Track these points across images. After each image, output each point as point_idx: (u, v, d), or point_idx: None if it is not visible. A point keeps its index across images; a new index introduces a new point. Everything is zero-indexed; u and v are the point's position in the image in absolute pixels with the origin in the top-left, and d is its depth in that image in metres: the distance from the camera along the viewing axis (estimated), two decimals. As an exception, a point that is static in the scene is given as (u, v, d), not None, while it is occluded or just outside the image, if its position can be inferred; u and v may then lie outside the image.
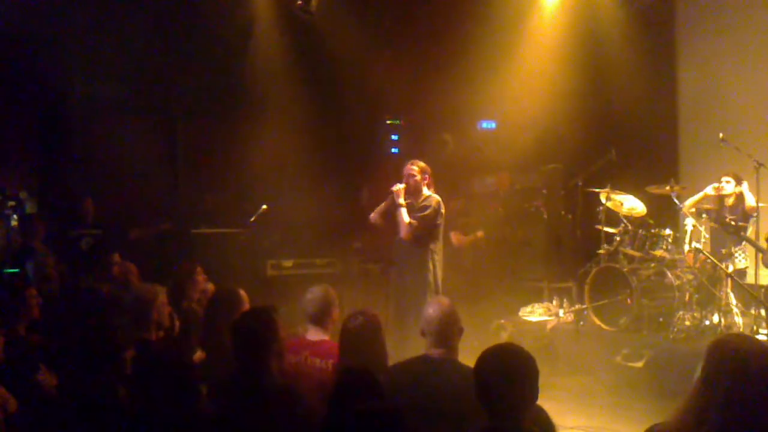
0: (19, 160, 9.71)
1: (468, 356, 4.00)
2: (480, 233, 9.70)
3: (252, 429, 3.49)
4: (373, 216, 6.64)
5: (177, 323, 5.49)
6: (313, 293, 4.72)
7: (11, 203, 8.56)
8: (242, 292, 5.18)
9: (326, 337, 4.62)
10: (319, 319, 4.65)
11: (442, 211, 6.44)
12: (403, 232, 6.34)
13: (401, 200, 6.39)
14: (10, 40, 8.27)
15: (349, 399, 3.28)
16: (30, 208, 9.03)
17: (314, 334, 4.62)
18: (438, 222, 6.41)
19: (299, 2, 7.08)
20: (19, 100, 9.35)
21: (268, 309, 3.96)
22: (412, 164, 6.56)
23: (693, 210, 7.95)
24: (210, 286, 6.48)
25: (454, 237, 9.23)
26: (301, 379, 4.26)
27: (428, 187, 6.54)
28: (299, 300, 4.84)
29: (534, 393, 2.90)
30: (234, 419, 3.51)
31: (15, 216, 8.45)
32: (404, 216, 6.32)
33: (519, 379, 2.86)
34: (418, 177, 6.49)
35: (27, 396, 4.27)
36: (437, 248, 6.38)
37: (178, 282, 6.36)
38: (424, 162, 6.66)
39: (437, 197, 6.45)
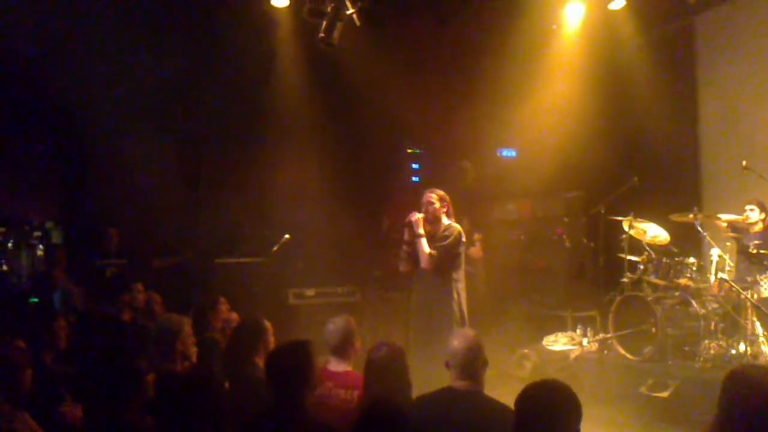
0: (45, 191, 9.82)
1: (491, 385, 4.00)
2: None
3: None
4: (402, 267, 6.57)
5: (194, 352, 5.48)
6: (335, 324, 4.72)
7: (37, 233, 8.68)
8: (267, 323, 5.19)
9: (349, 368, 4.62)
10: (341, 349, 4.66)
11: (464, 239, 6.40)
12: (424, 263, 6.26)
13: (420, 230, 6.34)
14: (33, 69, 8.40)
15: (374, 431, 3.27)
16: (55, 238, 9.13)
17: (337, 365, 4.62)
18: (459, 251, 6.36)
19: (321, 35, 7.13)
20: (43, 131, 9.49)
21: (305, 343, 3.92)
22: (430, 192, 6.48)
23: (725, 224, 7.85)
24: (234, 316, 6.50)
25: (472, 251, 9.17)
26: (325, 410, 4.25)
27: (448, 216, 6.45)
28: (321, 329, 4.85)
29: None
30: None
31: (41, 246, 8.57)
32: (424, 246, 6.26)
33: (563, 419, 2.81)
34: (437, 205, 6.39)
35: (52, 428, 4.29)
36: (460, 277, 6.31)
37: (201, 312, 6.38)
38: (444, 190, 6.62)
39: (458, 226, 6.37)
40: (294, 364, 3.78)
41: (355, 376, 4.52)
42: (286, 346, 3.95)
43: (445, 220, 6.40)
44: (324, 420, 3.87)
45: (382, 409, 3.39)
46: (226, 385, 5.26)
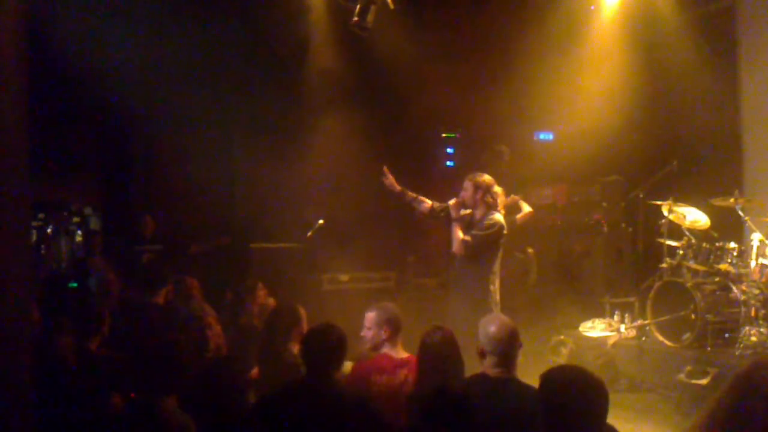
0: (84, 177, 9.94)
1: (526, 372, 3.95)
2: (513, 196, 8.90)
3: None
4: (436, 205, 6.47)
5: (220, 339, 5.48)
6: (394, 309, 4.73)
7: (76, 219, 8.79)
8: (301, 309, 5.22)
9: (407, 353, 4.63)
10: (399, 335, 4.69)
11: (504, 232, 6.21)
12: (455, 247, 6.17)
13: (455, 214, 6.21)
14: (72, 58, 8.48)
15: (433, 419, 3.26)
16: (93, 224, 9.23)
17: (400, 352, 4.63)
18: (498, 244, 6.22)
19: (355, 19, 7.09)
20: (83, 118, 9.59)
21: (337, 327, 4.02)
22: (469, 178, 6.35)
23: None
24: (270, 301, 6.53)
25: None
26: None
27: (487, 205, 6.24)
28: (355, 314, 4.85)
29: (603, 418, 2.81)
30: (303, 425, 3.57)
31: (79, 232, 8.68)
32: (458, 231, 6.16)
33: (592, 404, 2.77)
34: (469, 192, 6.24)
35: (97, 413, 4.31)
36: (497, 270, 6.20)
37: (239, 297, 6.42)
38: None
39: (500, 218, 6.19)
40: (332, 343, 3.90)
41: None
42: (323, 327, 4.01)
43: (486, 209, 6.22)
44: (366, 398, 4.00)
45: (446, 396, 3.37)
46: (255, 370, 5.31)
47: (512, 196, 7.80)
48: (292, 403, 3.74)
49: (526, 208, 7.19)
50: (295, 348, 4.98)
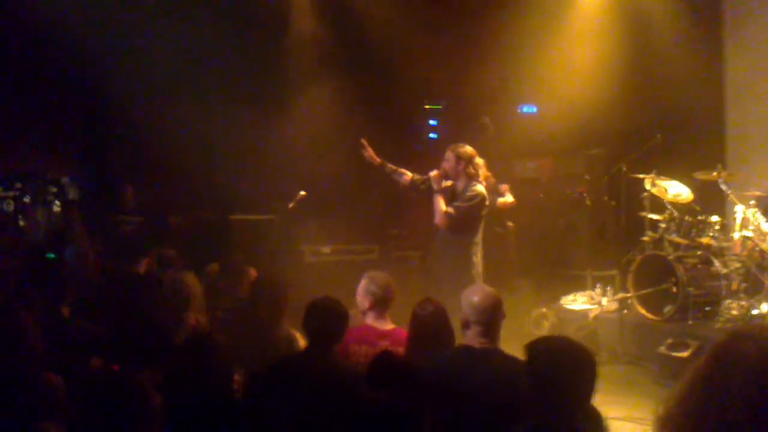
0: (62, 146, 9.81)
1: (507, 345, 3.93)
2: (504, 186, 8.31)
3: (315, 406, 3.55)
4: (416, 178, 6.44)
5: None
6: (383, 280, 4.70)
7: (53, 189, 8.67)
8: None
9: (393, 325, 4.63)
10: (386, 306, 4.68)
11: (486, 203, 6.22)
12: (438, 219, 6.15)
13: (437, 186, 6.18)
14: (53, 26, 8.34)
15: (380, 385, 3.26)
16: (71, 193, 9.11)
17: (385, 324, 4.63)
18: (480, 215, 6.21)
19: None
20: (62, 85, 9.46)
21: (338, 301, 4.10)
22: (450, 149, 6.34)
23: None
24: (251, 271, 6.47)
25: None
26: None
27: (468, 176, 6.23)
28: (338, 286, 4.82)
29: (591, 391, 2.79)
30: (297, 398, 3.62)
31: (57, 202, 8.57)
32: (440, 203, 6.13)
33: (581, 375, 2.75)
34: (451, 163, 6.23)
35: (77, 381, 4.25)
36: (479, 241, 6.20)
37: (237, 270, 6.37)
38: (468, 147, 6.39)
39: (482, 190, 6.19)
40: (336, 317, 3.99)
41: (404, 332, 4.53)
42: (326, 300, 4.09)
43: (468, 180, 6.20)
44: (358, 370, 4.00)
45: (391, 363, 3.44)
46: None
47: (504, 185, 7.84)
48: (292, 376, 3.79)
49: (510, 198, 7.25)
50: (285, 322, 4.93)
